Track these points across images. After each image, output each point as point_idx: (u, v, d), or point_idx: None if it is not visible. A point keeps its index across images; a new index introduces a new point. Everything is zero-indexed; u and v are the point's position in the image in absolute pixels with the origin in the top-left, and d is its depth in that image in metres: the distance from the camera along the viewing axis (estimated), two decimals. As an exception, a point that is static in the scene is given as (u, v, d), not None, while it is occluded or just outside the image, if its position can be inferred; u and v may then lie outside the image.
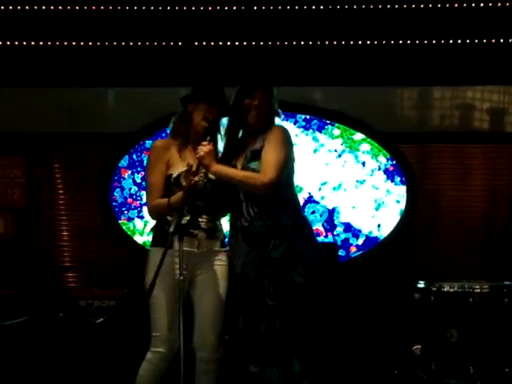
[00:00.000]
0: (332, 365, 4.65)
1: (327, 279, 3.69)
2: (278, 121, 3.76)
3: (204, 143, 3.54)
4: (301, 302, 3.51)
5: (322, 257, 3.64)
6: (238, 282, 3.62)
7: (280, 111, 3.75)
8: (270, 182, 3.51)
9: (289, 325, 3.48)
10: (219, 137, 3.79)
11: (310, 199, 5.71)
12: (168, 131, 3.89)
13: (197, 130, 3.70)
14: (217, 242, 3.72)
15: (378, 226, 5.74)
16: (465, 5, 5.67)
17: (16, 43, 5.84)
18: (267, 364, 3.51)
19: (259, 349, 3.52)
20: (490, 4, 5.64)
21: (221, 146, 3.78)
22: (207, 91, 3.72)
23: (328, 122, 5.79)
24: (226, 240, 3.77)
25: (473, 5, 5.66)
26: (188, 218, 3.59)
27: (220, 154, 3.74)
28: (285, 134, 3.64)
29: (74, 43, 5.83)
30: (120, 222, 5.86)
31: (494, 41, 5.72)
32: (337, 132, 5.79)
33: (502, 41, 5.71)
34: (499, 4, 5.64)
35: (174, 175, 3.65)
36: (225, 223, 3.83)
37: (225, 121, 3.78)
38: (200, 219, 3.66)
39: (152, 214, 3.77)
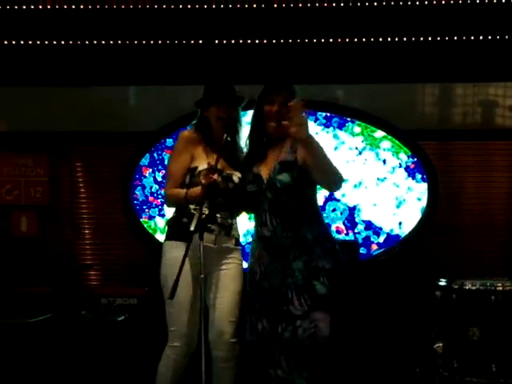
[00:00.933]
0: (354, 363, 4.65)
1: (348, 288, 3.69)
2: None
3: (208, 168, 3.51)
4: (322, 311, 3.51)
5: (342, 268, 3.63)
6: (258, 289, 3.62)
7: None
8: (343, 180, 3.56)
9: (310, 334, 3.48)
10: (240, 140, 3.81)
11: (330, 197, 5.69)
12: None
13: (216, 131, 3.72)
14: (232, 239, 3.76)
15: (400, 223, 5.72)
16: (487, 1, 5.63)
17: (38, 43, 5.89)
18: (294, 370, 3.51)
19: (286, 354, 3.51)
20: (512, 0, 5.60)
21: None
22: (214, 93, 3.74)
23: (349, 119, 5.77)
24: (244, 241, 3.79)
25: (495, 1, 5.62)
26: (207, 212, 3.59)
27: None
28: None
29: (95, 42, 5.87)
30: (141, 220, 5.89)
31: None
32: (357, 129, 5.77)
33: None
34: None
35: (200, 168, 3.65)
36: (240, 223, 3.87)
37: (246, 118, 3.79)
38: (218, 215, 3.67)
39: (167, 202, 3.81)
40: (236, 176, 3.69)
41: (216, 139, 3.73)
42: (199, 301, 3.56)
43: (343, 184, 3.61)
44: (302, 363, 3.50)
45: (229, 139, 3.65)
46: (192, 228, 3.42)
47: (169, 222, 3.87)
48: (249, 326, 3.63)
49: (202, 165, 3.63)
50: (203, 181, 3.49)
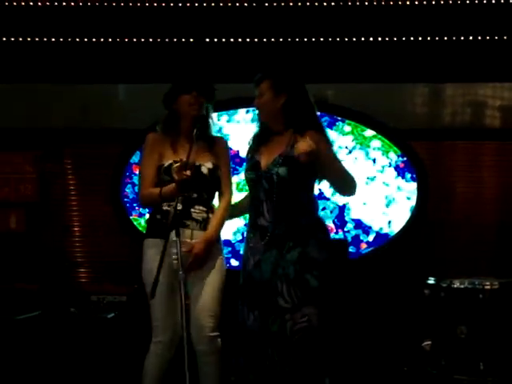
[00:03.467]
0: (342, 361, 4.66)
1: (340, 281, 3.71)
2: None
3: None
4: (314, 305, 3.52)
5: (334, 260, 3.65)
6: (250, 279, 3.63)
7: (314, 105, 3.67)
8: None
9: (300, 328, 3.49)
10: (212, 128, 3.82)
11: (320, 195, 5.70)
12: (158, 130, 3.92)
13: (187, 124, 3.72)
14: None
15: (389, 222, 5.74)
16: (477, 1, 5.66)
17: (28, 39, 5.88)
18: (282, 363, 3.52)
19: (274, 347, 3.52)
20: (502, 0, 5.62)
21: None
22: (184, 82, 3.76)
23: (339, 118, 5.79)
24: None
25: (484, 1, 5.64)
26: (180, 208, 3.59)
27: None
28: (329, 142, 3.67)
29: (86, 40, 5.86)
30: (131, 217, 5.89)
31: (505, 38, 5.70)
32: (348, 128, 5.79)
33: (514, 38, 5.70)
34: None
35: (165, 165, 3.68)
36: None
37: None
38: (192, 210, 3.68)
39: (143, 203, 3.87)
40: (205, 167, 3.69)
41: (186, 133, 3.73)
42: (180, 296, 3.59)
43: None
44: (289, 357, 3.51)
45: (197, 132, 3.64)
46: (169, 224, 3.45)
47: (147, 221, 3.93)
48: (240, 316, 3.64)
49: (168, 161, 3.66)
50: (176, 177, 3.51)
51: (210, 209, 3.74)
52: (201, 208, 3.69)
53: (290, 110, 3.59)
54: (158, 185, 3.69)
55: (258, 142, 3.70)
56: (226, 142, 3.85)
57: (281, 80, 3.62)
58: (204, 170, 3.68)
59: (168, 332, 3.68)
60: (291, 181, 3.56)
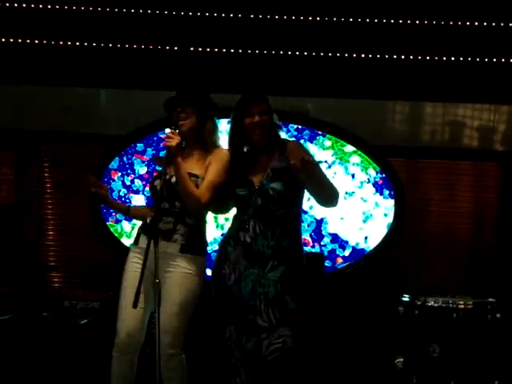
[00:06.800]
0: (315, 376, 4.67)
1: (314, 301, 3.74)
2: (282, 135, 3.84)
3: (170, 131, 3.62)
4: (290, 327, 3.53)
5: (309, 282, 3.68)
6: (228, 294, 3.62)
7: (279, 123, 3.78)
8: None
9: (275, 349, 3.50)
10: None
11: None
12: (159, 135, 3.95)
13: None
14: (175, 245, 3.70)
15: (365, 238, 5.77)
16: (459, 23, 5.73)
17: (11, 41, 5.84)
18: (251, 382, 3.53)
19: (246, 365, 3.53)
20: (485, 23, 5.70)
21: None
22: (168, 100, 3.82)
23: (320, 132, 5.82)
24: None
25: (467, 23, 5.72)
26: (150, 218, 3.62)
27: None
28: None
29: (69, 43, 5.83)
30: (108, 223, 5.85)
31: (486, 60, 5.77)
32: (328, 143, 5.82)
33: (494, 60, 5.76)
34: (493, 24, 5.70)
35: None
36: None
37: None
38: (160, 220, 3.68)
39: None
40: (174, 178, 3.70)
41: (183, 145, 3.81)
42: (146, 304, 3.69)
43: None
44: (261, 377, 3.51)
45: (173, 129, 3.68)
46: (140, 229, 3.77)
47: None
48: (216, 330, 3.64)
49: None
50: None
51: (181, 221, 3.73)
52: (169, 219, 3.71)
53: (273, 127, 3.72)
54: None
55: (246, 160, 3.72)
56: (220, 152, 3.81)
57: (267, 100, 3.73)
58: (173, 179, 3.69)
59: (121, 335, 3.72)
60: (286, 195, 3.61)
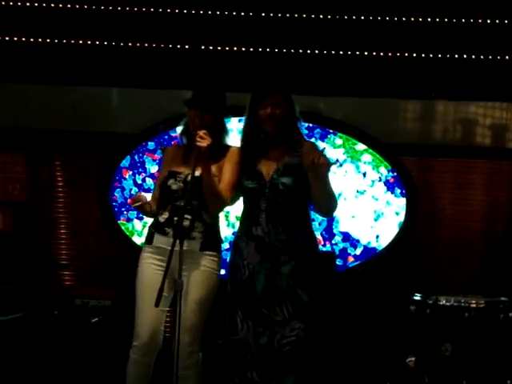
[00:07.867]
0: (326, 375, 4.66)
1: (328, 295, 3.74)
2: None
3: (202, 132, 3.59)
4: (303, 320, 3.53)
5: (324, 274, 3.68)
6: (245, 289, 3.62)
7: (300, 117, 3.77)
8: None
9: (289, 342, 3.50)
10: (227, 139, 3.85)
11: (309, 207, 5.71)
12: (171, 133, 3.95)
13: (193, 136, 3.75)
14: (193, 242, 3.69)
15: (377, 236, 5.75)
16: (471, 20, 5.70)
17: (23, 39, 5.86)
18: (266, 377, 3.53)
19: (262, 359, 3.54)
20: (497, 21, 5.66)
21: None
22: (189, 99, 3.79)
23: (331, 131, 5.80)
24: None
25: (479, 21, 5.68)
26: (166, 216, 3.63)
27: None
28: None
29: (80, 42, 5.85)
30: (119, 222, 5.86)
31: (498, 57, 5.74)
32: (339, 141, 5.80)
33: (506, 58, 5.73)
34: (506, 21, 5.66)
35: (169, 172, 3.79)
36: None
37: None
38: (175, 218, 3.67)
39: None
40: (190, 176, 3.69)
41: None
42: (164, 305, 3.66)
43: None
44: (276, 370, 3.52)
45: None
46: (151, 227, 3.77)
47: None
48: (232, 325, 3.63)
49: (173, 169, 3.79)
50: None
51: (198, 219, 3.73)
52: (186, 216, 3.68)
53: (289, 122, 3.68)
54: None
55: (256, 152, 3.72)
56: (233, 152, 3.81)
57: (287, 92, 3.71)
58: (189, 178, 3.66)
59: (143, 337, 3.69)
60: (296, 191, 3.61)
